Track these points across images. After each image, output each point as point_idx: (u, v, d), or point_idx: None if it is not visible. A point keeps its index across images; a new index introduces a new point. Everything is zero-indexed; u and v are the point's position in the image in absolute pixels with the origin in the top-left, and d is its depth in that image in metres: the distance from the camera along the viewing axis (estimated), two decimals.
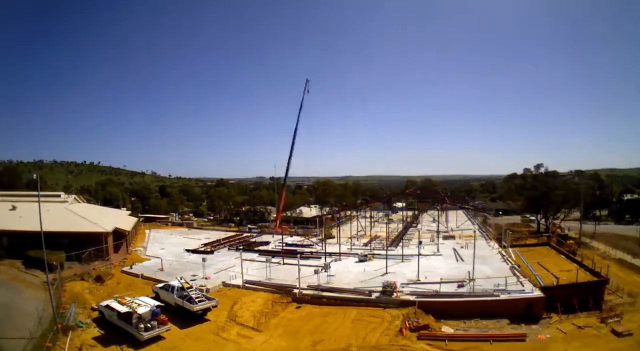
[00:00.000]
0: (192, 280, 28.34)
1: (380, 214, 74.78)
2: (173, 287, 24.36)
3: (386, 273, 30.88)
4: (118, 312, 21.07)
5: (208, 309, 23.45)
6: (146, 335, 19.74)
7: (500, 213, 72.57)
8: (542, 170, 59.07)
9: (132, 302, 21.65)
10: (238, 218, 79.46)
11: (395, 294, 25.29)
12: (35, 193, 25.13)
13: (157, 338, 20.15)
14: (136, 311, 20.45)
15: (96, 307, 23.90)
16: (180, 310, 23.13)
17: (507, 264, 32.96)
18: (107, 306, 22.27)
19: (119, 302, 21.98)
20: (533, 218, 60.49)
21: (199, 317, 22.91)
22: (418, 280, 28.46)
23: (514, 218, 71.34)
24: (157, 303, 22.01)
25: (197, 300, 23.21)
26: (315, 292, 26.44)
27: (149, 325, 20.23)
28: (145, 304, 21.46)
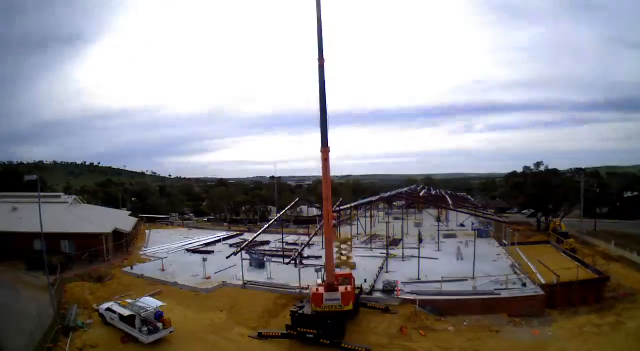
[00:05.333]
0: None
1: (381, 213, 74.76)
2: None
3: (387, 272, 30.93)
4: (120, 315, 20.87)
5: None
6: (151, 338, 19.60)
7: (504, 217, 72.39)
8: (542, 168, 59.02)
9: (134, 304, 21.39)
10: (240, 217, 79.59)
11: (396, 293, 25.34)
12: (36, 194, 25.14)
13: (160, 340, 20.11)
14: (139, 314, 20.18)
15: (97, 309, 23.88)
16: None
17: (508, 262, 32.98)
18: (108, 309, 22.01)
19: (120, 304, 21.77)
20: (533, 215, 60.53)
21: None
22: (419, 278, 28.48)
23: (514, 216, 71.33)
24: (160, 304, 21.73)
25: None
26: None
27: (152, 328, 20.07)
28: (147, 305, 21.18)
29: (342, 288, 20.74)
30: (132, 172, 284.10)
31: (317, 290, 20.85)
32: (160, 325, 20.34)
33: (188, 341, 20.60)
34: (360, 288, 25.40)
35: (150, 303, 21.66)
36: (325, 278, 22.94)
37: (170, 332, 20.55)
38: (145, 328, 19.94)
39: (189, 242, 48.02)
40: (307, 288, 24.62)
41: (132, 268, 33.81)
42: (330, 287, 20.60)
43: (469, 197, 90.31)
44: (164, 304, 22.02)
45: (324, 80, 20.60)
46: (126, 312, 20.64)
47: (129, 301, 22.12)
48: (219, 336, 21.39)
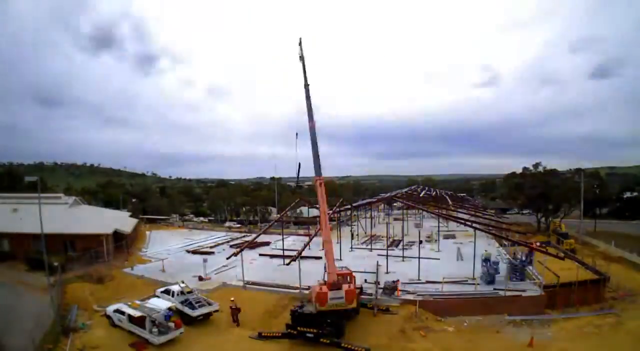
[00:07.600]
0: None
1: (381, 214, 74.84)
2: (173, 292, 24.03)
3: (387, 272, 30.94)
4: (129, 316, 20.88)
5: (209, 314, 23.34)
6: (162, 339, 19.61)
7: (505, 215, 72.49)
8: (540, 168, 59.16)
9: (144, 305, 21.34)
10: (240, 218, 79.68)
11: (396, 293, 25.35)
12: (36, 195, 25.21)
13: (167, 341, 20.07)
14: (150, 315, 20.17)
15: (99, 309, 23.92)
16: (181, 314, 22.68)
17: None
18: (117, 310, 22.03)
19: (129, 306, 21.72)
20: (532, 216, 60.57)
21: (199, 321, 22.73)
22: (419, 279, 28.49)
23: (514, 217, 71.41)
24: (169, 304, 21.68)
25: (197, 305, 23.09)
26: None
27: (162, 329, 20.06)
28: (157, 307, 21.12)
29: (345, 286, 20.82)
30: (133, 173, 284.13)
31: (321, 288, 20.86)
32: (172, 324, 20.40)
33: (188, 341, 20.63)
34: (361, 288, 25.42)
35: (160, 304, 21.53)
36: (326, 278, 22.95)
37: (181, 333, 20.57)
38: (156, 330, 19.95)
39: (190, 243, 48.08)
40: (307, 289, 24.66)
41: (132, 269, 33.80)
42: (333, 286, 20.64)
43: (469, 197, 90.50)
44: (173, 304, 21.96)
45: (315, 139, 22.16)
46: (136, 313, 20.65)
47: (139, 302, 21.96)
48: (219, 337, 21.41)
